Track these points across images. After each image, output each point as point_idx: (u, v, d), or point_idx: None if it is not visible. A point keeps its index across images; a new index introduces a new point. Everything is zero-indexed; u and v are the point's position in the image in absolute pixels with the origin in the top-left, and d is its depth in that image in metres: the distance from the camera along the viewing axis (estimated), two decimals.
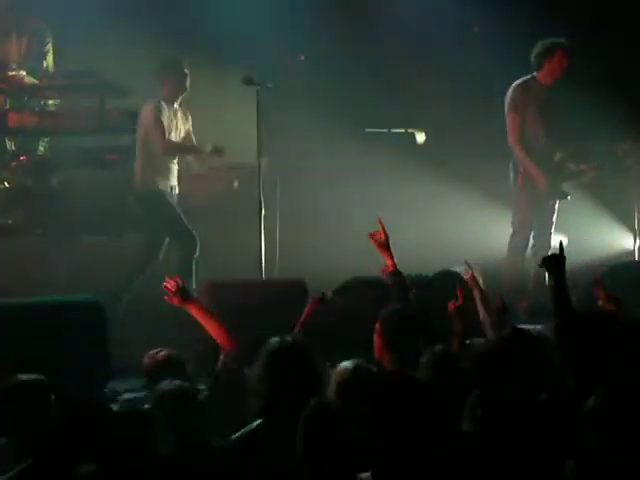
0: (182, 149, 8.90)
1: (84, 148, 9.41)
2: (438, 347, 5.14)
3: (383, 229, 6.35)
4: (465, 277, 6.33)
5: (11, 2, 9.54)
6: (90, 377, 6.08)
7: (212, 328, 5.52)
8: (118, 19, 9.71)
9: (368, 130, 10.88)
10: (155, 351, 5.64)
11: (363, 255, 8.98)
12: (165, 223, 8.70)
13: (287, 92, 9.43)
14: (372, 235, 6.39)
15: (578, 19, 10.18)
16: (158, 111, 8.58)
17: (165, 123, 8.63)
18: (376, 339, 5.56)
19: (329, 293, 6.17)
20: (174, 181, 8.81)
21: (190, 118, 8.92)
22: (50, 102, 9.52)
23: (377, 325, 5.58)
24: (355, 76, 10.63)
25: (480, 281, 7.95)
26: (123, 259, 9.00)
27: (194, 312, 5.58)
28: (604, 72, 10.26)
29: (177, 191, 8.87)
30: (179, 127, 8.86)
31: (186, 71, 8.66)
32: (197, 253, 8.65)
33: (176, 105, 8.76)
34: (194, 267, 8.62)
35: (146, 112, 8.65)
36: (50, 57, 9.54)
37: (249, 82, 8.33)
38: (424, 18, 10.41)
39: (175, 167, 8.83)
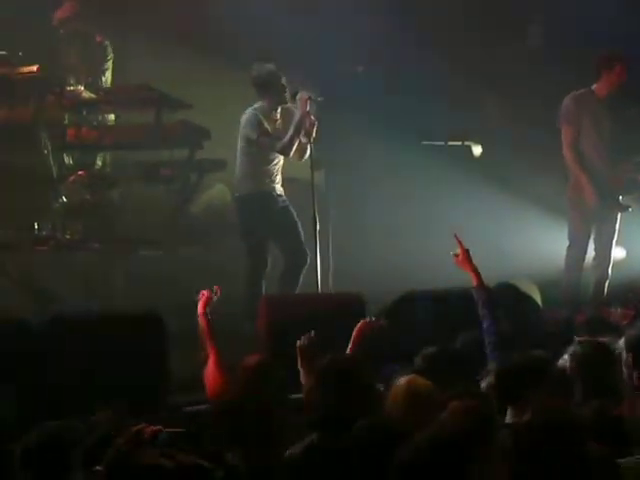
0: (290, 136, 8.37)
1: (140, 162, 9.45)
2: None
3: (460, 244, 6.13)
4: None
5: (76, 15, 9.63)
6: (150, 391, 6.10)
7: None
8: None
9: (425, 143, 10.82)
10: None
11: (419, 268, 8.99)
12: (264, 227, 8.49)
13: (338, 105, 9.38)
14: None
15: None
16: (255, 121, 8.38)
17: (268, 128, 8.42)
18: None
19: (382, 321, 6.07)
20: (279, 188, 8.60)
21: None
22: (108, 117, 9.59)
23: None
24: (408, 88, 10.58)
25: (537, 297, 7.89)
26: (180, 273, 9.01)
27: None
28: None
29: (284, 197, 8.61)
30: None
31: (284, 83, 8.47)
32: (303, 266, 8.44)
33: (277, 114, 8.55)
34: (295, 280, 8.46)
35: (244, 122, 8.43)
36: (109, 73, 9.59)
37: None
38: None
39: (278, 173, 8.58)
